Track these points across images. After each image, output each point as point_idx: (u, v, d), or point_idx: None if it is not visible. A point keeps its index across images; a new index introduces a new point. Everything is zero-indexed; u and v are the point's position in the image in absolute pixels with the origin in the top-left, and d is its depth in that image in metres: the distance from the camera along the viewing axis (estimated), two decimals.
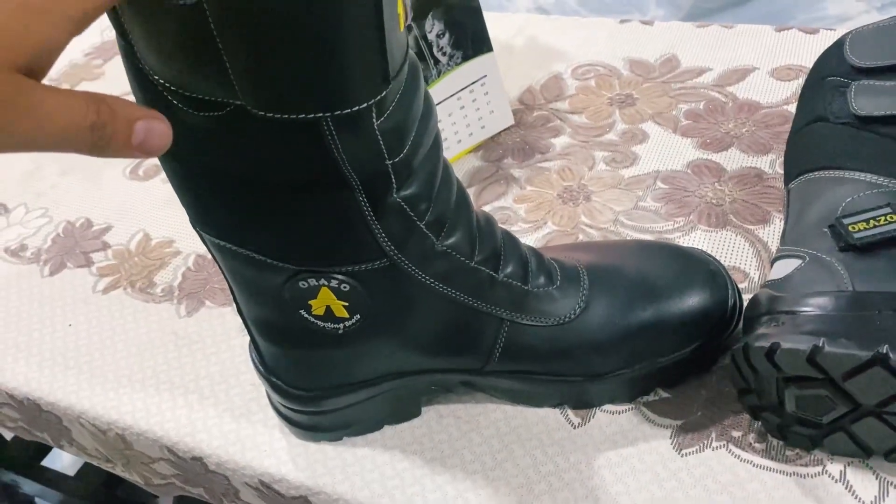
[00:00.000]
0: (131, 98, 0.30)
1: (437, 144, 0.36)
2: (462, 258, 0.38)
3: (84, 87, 0.84)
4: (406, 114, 0.32)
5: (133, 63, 0.29)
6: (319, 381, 0.42)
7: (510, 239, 0.42)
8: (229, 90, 0.28)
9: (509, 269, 0.40)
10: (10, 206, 0.68)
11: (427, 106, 0.35)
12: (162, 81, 0.29)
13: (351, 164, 0.31)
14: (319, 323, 0.38)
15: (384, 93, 0.30)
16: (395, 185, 0.34)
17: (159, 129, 0.25)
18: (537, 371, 0.42)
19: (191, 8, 0.26)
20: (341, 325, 0.38)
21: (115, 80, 0.83)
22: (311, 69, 0.28)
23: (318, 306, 0.37)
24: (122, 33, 0.29)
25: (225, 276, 0.39)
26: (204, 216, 0.36)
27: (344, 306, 0.37)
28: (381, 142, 0.32)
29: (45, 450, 0.91)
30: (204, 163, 0.32)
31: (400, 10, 0.31)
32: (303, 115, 0.29)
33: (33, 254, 0.63)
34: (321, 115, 0.29)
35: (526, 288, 0.40)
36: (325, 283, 0.36)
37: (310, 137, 0.30)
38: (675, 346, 0.42)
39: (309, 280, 0.36)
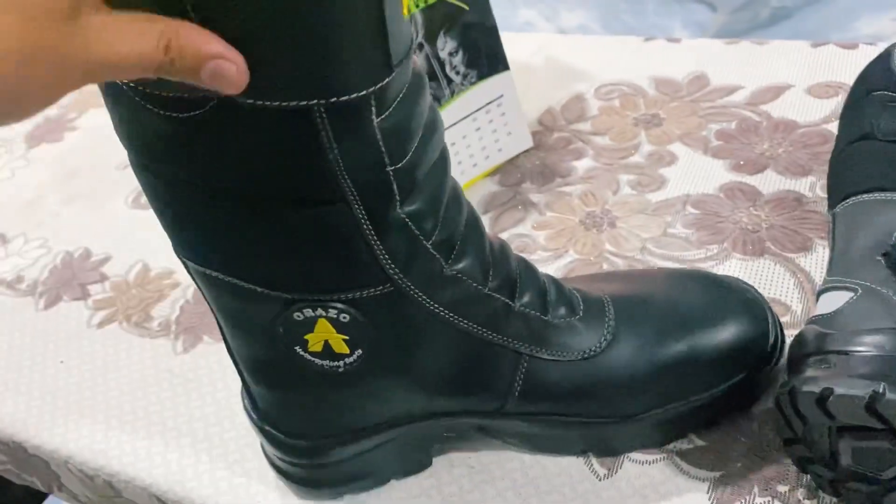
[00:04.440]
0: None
1: (444, 158, 0.33)
2: (474, 284, 0.34)
3: (49, 147, 0.82)
4: (410, 115, 0.29)
5: None
6: (319, 429, 0.38)
7: (527, 266, 0.38)
8: None
9: (526, 298, 0.36)
10: (10, 236, 0.66)
11: (433, 114, 0.31)
12: (129, 82, 0.26)
13: (348, 168, 0.28)
14: (317, 361, 0.34)
15: (386, 81, 0.27)
16: (397, 198, 0.30)
17: (228, 70, 0.23)
18: (559, 412, 0.38)
19: None
20: (341, 363, 0.34)
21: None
22: (305, 48, 0.24)
23: (315, 341, 0.34)
24: None
25: (212, 310, 0.36)
26: (185, 240, 0.32)
27: (344, 340, 0.34)
28: (382, 143, 0.28)
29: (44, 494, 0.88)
30: (181, 176, 0.29)
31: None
32: (294, 103, 0.25)
33: (29, 286, 0.60)
34: (315, 102, 0.26)
35: (545, 318, 0.37)
36: (323, 313, 0.33)
37: (301, 134, 0.27)
38: (710, 383, 0.38)
39: (304, 311, 0.33)
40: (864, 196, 0.41)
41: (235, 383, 0.48)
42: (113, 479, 0.45)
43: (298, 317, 0.33)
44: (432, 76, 0.54)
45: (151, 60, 0.22)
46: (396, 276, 0.32)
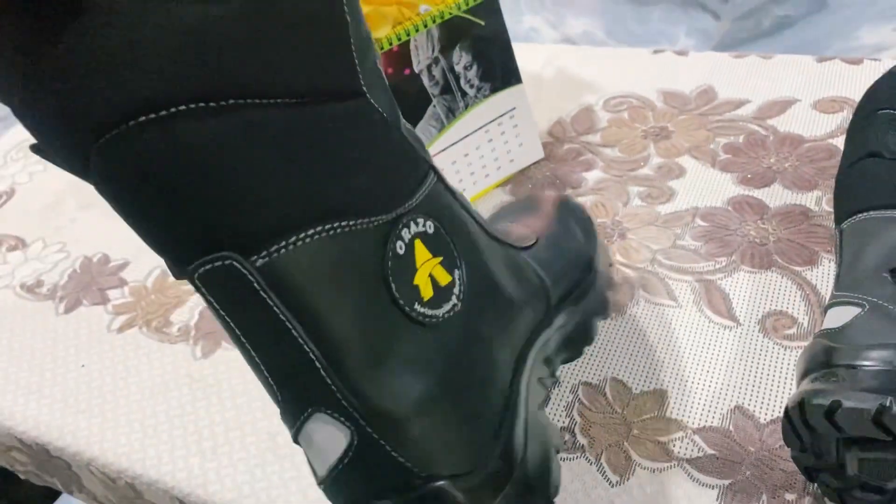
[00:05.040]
0: None
1: None
2: None
3: None
4: None
5: None
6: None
7: None
8: None
9: None
10: (28, 241, 0.67)
11: None
12: None
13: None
14: (438, 314, 0.32)
15: None
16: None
17: None
18: (567, 288, 0.43)
19: None
20: (454, 299, 0.33)
21: None
22: None
23: (423, 284, 0.31)
24: None
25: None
26: (247, 195, 0.26)
27: (441, 263, 0.32)
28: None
29: (57, 492, 0.89)
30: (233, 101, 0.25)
31: None
32: None
33: (49, 290, 0.61)
34: None
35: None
36: (416, 228, 0.31)
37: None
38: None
39: (402, 233, 0.30)
40: (872, 213, 0.42)
41: (255, 388, 0.49)
42: (136, 482, 0.46)
43: (401, 248, 0.30)
44: (447, 89, 0.55)
45: None
46: (432, 164, 0.34)
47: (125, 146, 0.24)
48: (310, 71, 0.27)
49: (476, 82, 0.56)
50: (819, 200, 0.53)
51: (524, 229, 0.45)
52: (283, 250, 0.27)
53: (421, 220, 0.32)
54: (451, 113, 0.56)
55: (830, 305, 0.39)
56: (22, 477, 0.59)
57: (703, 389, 0.43)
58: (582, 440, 0.42)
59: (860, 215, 0.42)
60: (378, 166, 0.30)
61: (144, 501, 0.48)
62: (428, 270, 0.32)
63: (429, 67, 0.54)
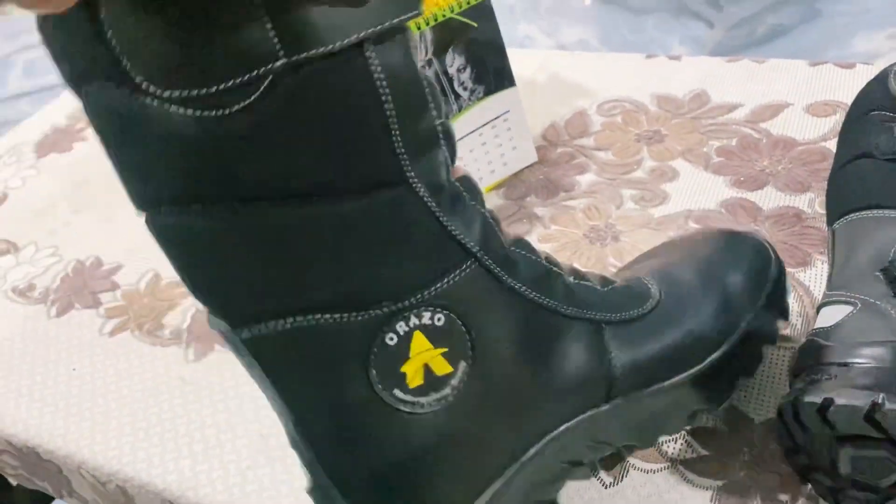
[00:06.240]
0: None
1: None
2: (535, 257, 0.34)
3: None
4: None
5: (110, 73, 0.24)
6: None
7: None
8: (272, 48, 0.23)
9: (569, 277, 0.36)
10: (21, 245, 0.67)
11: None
12: (153, 88, 0.23)
13: (404, 139, 0.27)
14: (422, 401, 0.31)
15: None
16: (449, 164, 0.29)
17: None
18: (662, 375, 0.36)
19: None
20: (448, 390, 0.31)
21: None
22: None
23: (413, 370, 0.30)
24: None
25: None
26: (236, 292, 0.28)
27: (443, 355, 0.30)
28: (429, 94, 0.28)
29: (49, 497, 0.88)
30: (240, 190, 0.26)
31: None
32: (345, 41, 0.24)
33: (41, 294, 0.61)
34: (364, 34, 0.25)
35: (594, 287, 0.36)
36: (417, 322, 0.29)
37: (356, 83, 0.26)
38: (742, 314, 0.38)
39: (398, 327, 0.29)
40: (863, 213, 0.42)
41: (247, 392, 0.49)
42: (126, 485, 0.46)
43: (391, 340, 0.29)
44: (440, 92, 0.55)
45: None
46: (476, 249, 0.30)
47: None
48: (327, 168, 0.27)
49: (469, 85, 0.56)
50: (812, 202, 0.53)
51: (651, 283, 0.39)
52: (261, 330, 0.28)
53: (428, 314, 0.30)
54: (445, 116, 0.56)
55: (823, 305, 0.39)
56: (12, 482, 0.58)
57: None
58: None
59: (852, 215, 0.42)
60: (391, 259, 0.29)
61: None
62: (423, 361, 0.30)
63: (422, 70, 0.54)
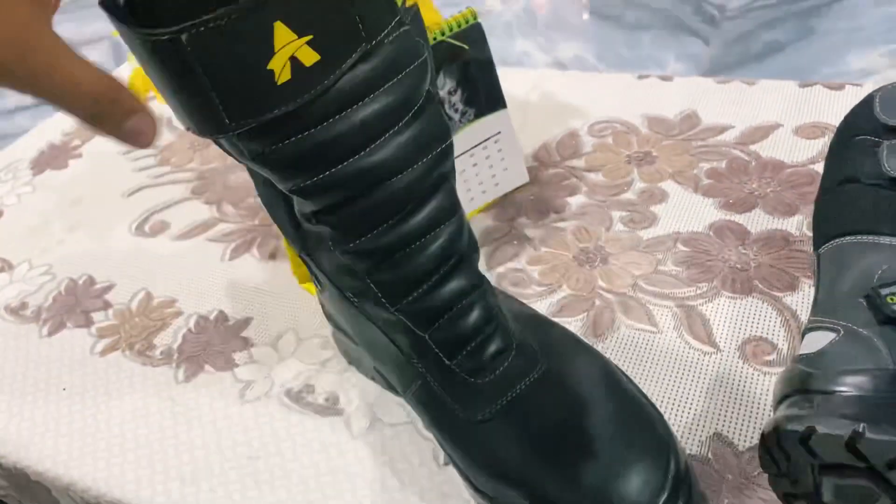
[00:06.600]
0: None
1: None
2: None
3: (54, 175, 0.83)
4: None
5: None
6: None
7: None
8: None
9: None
10: (14, 263, 0.67)
11: None
12: None
13: None
14: None
15: None
16: None
17: (148, 126, 0.28)
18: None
19: None
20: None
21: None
22: None
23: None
24: None
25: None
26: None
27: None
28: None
29: None
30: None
31: None
32: None
33: (33, 312, 0.61)
34: None
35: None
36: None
37: None
38: None
39: None
40: (848, 238, 0.42)
41: (236, 413, 0.49)
42: None
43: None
44: None
45: (92, 95, 0.25)
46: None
47: None
48: None
49: (461, 107, 0.57)
50: (800, 225, 0.53)
51: None
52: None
53: None
54: None
55: (807, 330, 0.39)
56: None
57: (682, 416, 0.43)
58: None
59: (837, 240, 0.43)
60: None
61: None
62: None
63: None
